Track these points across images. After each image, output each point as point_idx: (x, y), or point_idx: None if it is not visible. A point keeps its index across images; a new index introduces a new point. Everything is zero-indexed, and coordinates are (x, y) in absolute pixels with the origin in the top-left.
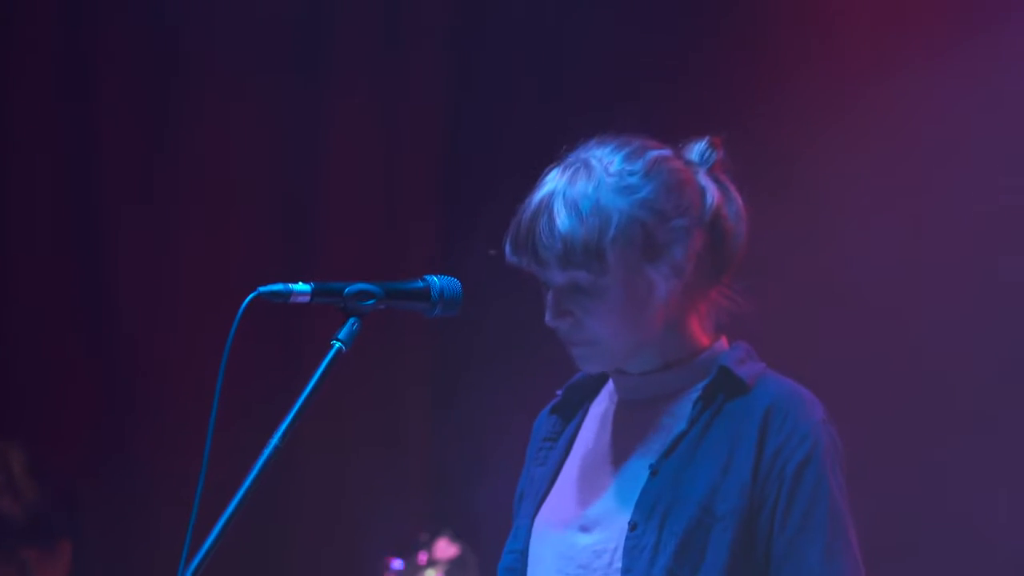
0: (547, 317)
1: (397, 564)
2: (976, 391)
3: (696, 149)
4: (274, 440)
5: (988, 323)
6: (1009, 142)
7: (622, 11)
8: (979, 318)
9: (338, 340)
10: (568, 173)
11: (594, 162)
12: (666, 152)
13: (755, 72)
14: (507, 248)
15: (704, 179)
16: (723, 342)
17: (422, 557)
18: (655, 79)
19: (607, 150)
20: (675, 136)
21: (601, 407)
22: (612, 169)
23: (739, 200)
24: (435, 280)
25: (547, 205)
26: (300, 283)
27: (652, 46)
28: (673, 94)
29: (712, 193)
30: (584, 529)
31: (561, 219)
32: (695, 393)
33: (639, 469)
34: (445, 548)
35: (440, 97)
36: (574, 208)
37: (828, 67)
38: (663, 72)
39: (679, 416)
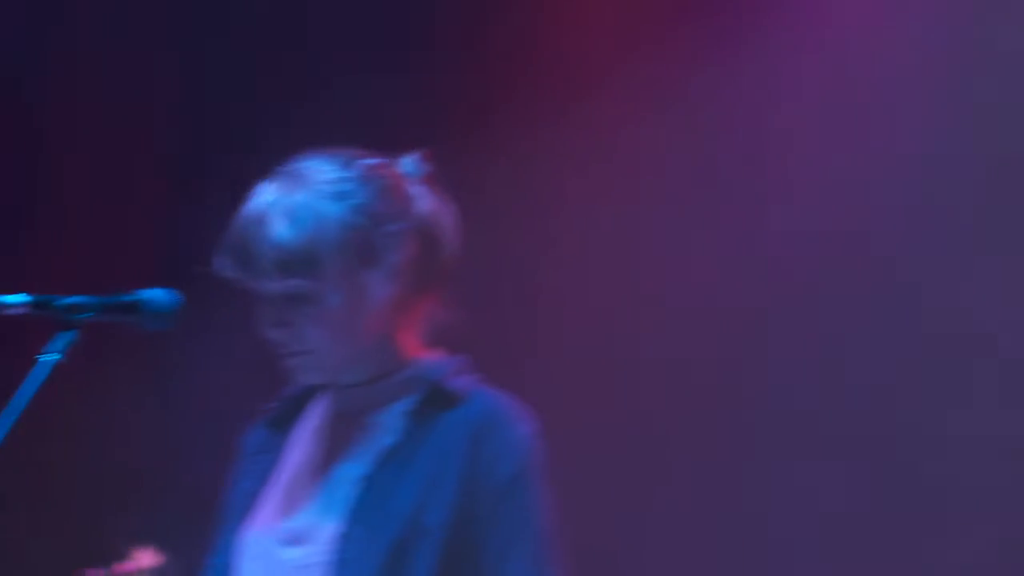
0: (264, 329)
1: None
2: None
3: (407, 162)
4: None
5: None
6: (751, 142)
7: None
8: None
9: (49, 353)
10: (281, 183)
11: (307, 172)
12: (378, 161)
13: (482, 77)
14: (220, 261)
15: (416, 188)
16: (436, 355)
17: (122, 568)
18: (387, 88)
19: (319, 161)
20: (408, 140)
21: (312, 420)
22: (326, 177)
23: (450, 212)
24: (150, 293)
25: (262, 215)
26: (15, 294)
27: (384, 56)
28: (406, 95)
29: (424, 202)
30: (292, 542)
31: (277, 227)
32: (407, 405)
33: (349, 481)
34: (144, 559)
35: (168, 100)
36: (290, 216)
37: (560, 68)
38: (395, 76)
39: (390, 428)
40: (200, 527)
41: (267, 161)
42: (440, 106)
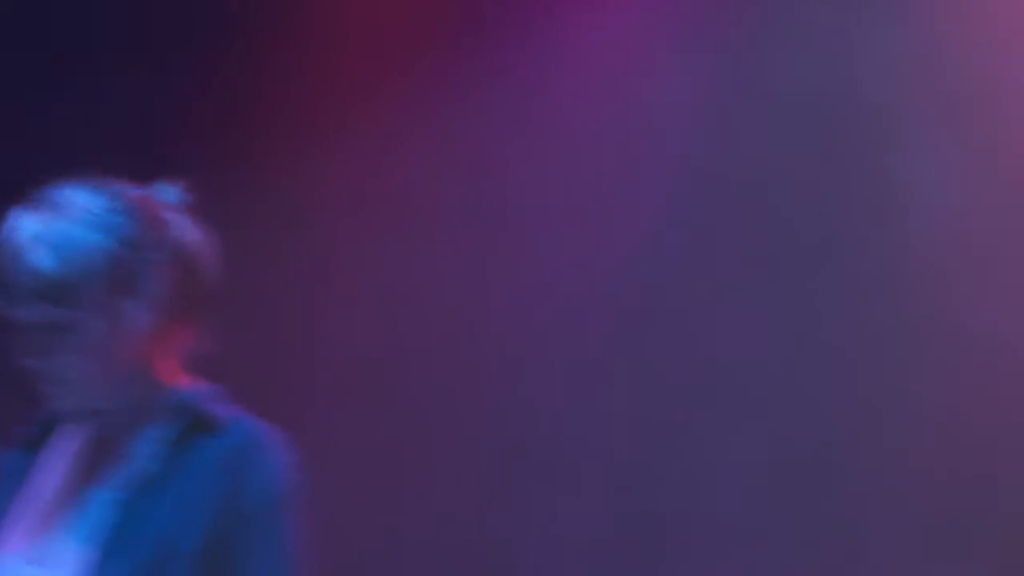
0: (22, 357)
1: None
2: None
3: (168, 191)
4: None
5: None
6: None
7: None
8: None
9: None
10: (41, 212)
11: (69, 201)
12: (139, 191)
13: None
14: None
15: (177, 217)
16: (195, 382)
17: None
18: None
19: (80, 190)
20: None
21: (66, 443)
22: (87, 206)
23: (210, 241)
24: None
25: (22, 244)
26: None
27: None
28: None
29: (184, 231)
30: (36, 564)
31: (38, 256)
32: (164, 432)
33: (102, 504)
34: None
35: None
36: (51, 245)
37: (326, 92)
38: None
39: (146, 455)
40: None
41: (49, 162)
42: (208, 125)
